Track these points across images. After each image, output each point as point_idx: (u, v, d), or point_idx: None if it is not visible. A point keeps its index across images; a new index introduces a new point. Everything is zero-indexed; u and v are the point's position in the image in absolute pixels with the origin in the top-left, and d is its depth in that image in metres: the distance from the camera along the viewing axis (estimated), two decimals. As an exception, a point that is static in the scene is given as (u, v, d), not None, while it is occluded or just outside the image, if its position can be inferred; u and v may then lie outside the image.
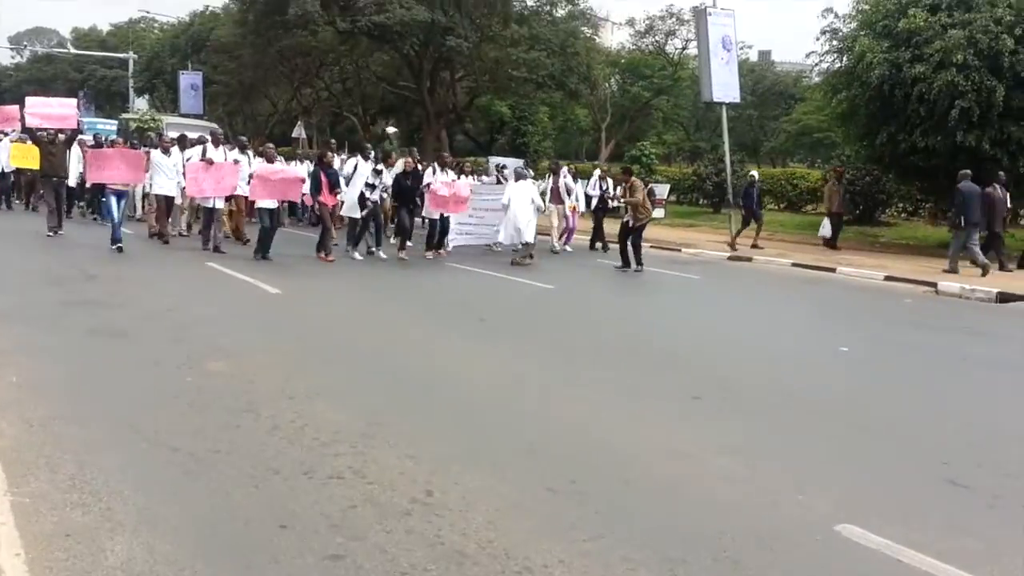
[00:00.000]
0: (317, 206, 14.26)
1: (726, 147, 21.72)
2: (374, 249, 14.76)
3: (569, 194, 17.23)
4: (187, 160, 14.60)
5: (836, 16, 20.71)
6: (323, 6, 27.65)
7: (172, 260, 13.09)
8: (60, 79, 65.79)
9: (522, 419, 5.88)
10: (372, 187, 14.55)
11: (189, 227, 16.22)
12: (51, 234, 14.63)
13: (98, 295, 9.76)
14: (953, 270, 15.18)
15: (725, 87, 20.76)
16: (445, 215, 15.28)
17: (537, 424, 5.77)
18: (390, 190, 15.10)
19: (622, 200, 15.02)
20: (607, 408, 6.30)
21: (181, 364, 6.79)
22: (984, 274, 14.81)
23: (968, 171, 15.99)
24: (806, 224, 23.48)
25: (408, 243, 14.97)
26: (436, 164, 16.11)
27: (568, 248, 17.53)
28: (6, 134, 19.01)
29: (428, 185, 15.10)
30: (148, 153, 14.74)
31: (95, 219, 17.88)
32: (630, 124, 40.26)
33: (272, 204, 13.62)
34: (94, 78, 60.86)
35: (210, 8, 42.84)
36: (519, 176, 15.48)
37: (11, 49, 67.73)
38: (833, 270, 15.79)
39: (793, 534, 4.21)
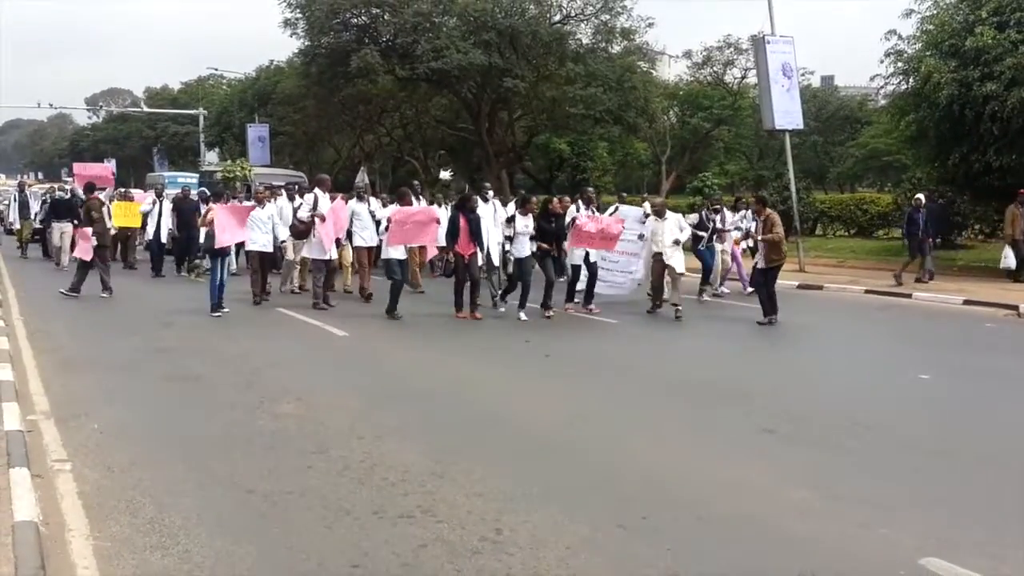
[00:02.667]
0: (451, 256, 12.47)
1: (791, 174, 21.42)
2: (497, 302, 12.97)
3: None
4: (297, 209, 13.86)
5: (900, 38, 20.37)
6: (383, 56, 28.32)
7: (242, 307, 13.38)
8: (135, 136, 68.60)
9: (589, 455, 5.82)
10: (509, 239, 12.82)
11: (302, 288, 14.70)
12: (75, 295, 13.53)
13: (173, 342, 10.04)
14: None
15: (787, 114, 20.54)
16: (591, 260, 12.94)
17: (605, 460, 5.71)
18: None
19: (760, 238, 12.19)
20: (676, 443, 6.20)
21: (254, 407, 6.93)
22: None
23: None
24: (880, 249, 22.92)
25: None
26: (580, 200, 14.01)
27: (725, 290, 15.62)
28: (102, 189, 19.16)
29: (573, 220, 12.90)
30: (252, 207, 13.23)
31: (186, 275, 17.35)
32: (691, 155, 40.03)
33: (401, 255, 12.40)
34: (166, 134, 63.16)
35: (275, 63, 44.16)
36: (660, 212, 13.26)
37: (88, 110, 71.09)
38: (909, 296, 15.34)
39: (876, 569, 4.06)
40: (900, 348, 10.99)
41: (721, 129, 38.83)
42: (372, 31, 29.73)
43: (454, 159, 41.35)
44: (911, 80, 19.82)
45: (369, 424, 6.45)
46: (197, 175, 32.53)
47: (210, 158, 50.10)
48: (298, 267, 14.83)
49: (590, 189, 15.43)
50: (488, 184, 15.69)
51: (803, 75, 32.70)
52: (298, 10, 29.94)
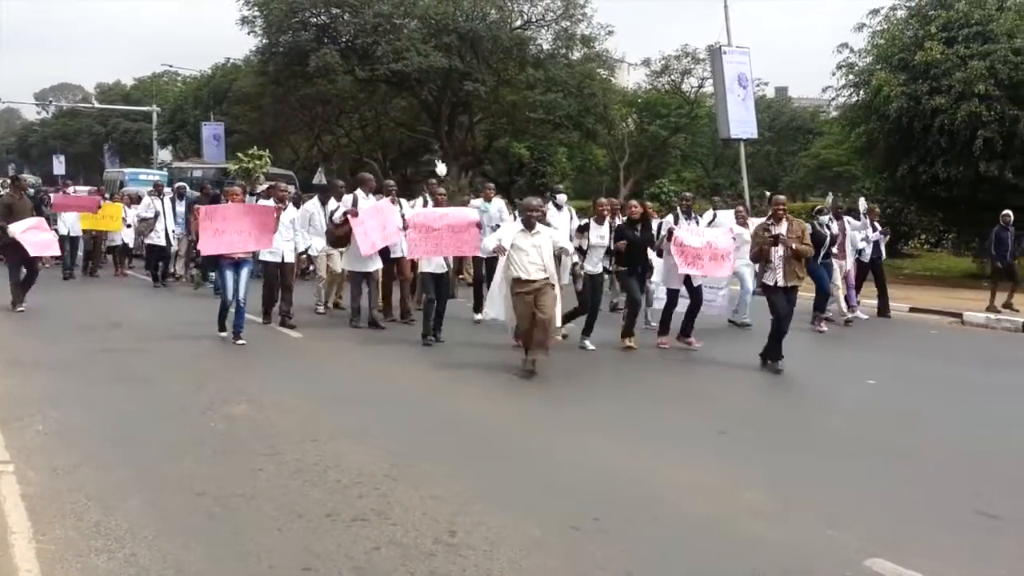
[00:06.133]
0: None
1: (745, 183, 21.81)
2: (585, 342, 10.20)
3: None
4: (332, 214, 11.23)
5: (852, 51, 20.89)
6: (342, 56, 28.17)
7: (195, 307, 13.18)
8: (85, 133, 67.20)
9: (545, 457, 5.84)
10: (581, 251, 10.16)
11: (337, 305, 12.77)
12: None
13: (121, 342, 9.85)
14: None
15: (742, 124, 20.95)
16: (695, 283, 10.50)
17: (560, 462, 5.73)
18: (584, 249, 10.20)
19: (797, 246, 8.95)
20: (630, 444, 6.24)
21: (205, 409, 6.83)
22: None
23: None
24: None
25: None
26: (680, 210, 11.12)
27: (861, 315, 13.35)
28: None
29: (669, 233, 10.20)
30: (279, 209, 10.69)
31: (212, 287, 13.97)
32: (648, 162, 40.42)
33: (439, 267, 10.24)
34: (118, 131, 61.95)
35: (231, 60, 43.67)
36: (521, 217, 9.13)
37: (37, 105, 69.42)
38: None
39: (823, 569, 4.13)
40: (848, 354, 11.19)
41: (678, 137, 39.30)
42: (331, 31, 29.56)
43: (413, 162, 41.23)
44: (862, 92, 20.33)
45: (322, 426, 6.39)
46: (165, 172, 31.07)
47: (163, 156, 49.30)
48: (328, 281, 12.75)
49: (688, 194, 12.14)
50: (561, 187, 12.35)
51: (758, 86, 33.16)
52: (256, 8, 29.64)
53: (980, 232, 19.83)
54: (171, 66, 55.61)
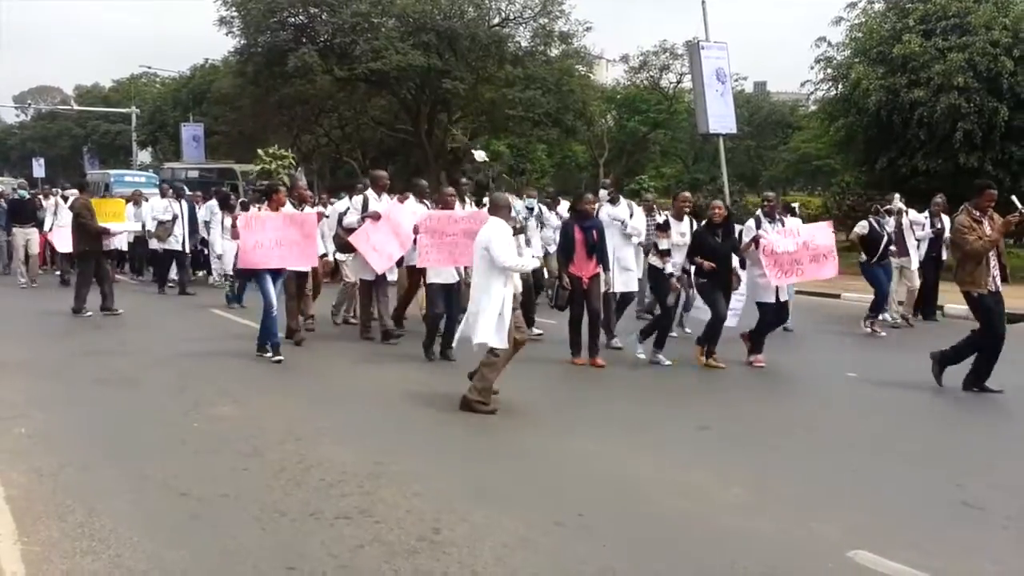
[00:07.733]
0: (565, 281, 8.97)
1: (724, 178, 21.90)
2: (658, 356, 9.18)
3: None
4: (343, 216, 10.40)
5: (830, 45, 21.07)
6: (321, 55, 28.13)
7: (176, 308, 13.14)
8: (64, 135, 66.60)
9: (528, 455, 5.87)
10: (663, 253, 9.28)
11: (346, 321, 11.70)
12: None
13: (105, 344, 9.80)
14: None
15: (721, 118, 21.04)
16: (785, 296, 9.36)
17: (542, 458, 5.77)
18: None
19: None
20: (613, 440, 6.28)
21: (188, 410, 6.82)
22: None
23: None
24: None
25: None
26: (761, 213, 9.68)
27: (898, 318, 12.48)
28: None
29: (755, 240, 9.08)
30: (320, 215, 10.11)
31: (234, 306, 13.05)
32: (628, 158, 40.61)
33: (450, 278, 9.03)
34: (97, 133, 61.41)
35: (210, 61, 43.51)
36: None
37: (15, 108, 68.67)
38: (838, 296, 15.76)
39: (805, 562, 4.17)
40: (828, 347, 11.29)
41: (657, 132, 39.52)
42: (310, 31, 29.54)
43: (392, 161, 41.19)
44: (840, 86, 20.52)
45: (306, 425, 6.39)
46: (145, 175, 30.21)
47: (143, 157, 49.00)
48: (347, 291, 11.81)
49: (770, 194, 10.35)
50: (608, 181, 10.83)
51: (736, 80, 33.49)
52: (234, 8, 29.54)
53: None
54: (149, 67, 55.43)
